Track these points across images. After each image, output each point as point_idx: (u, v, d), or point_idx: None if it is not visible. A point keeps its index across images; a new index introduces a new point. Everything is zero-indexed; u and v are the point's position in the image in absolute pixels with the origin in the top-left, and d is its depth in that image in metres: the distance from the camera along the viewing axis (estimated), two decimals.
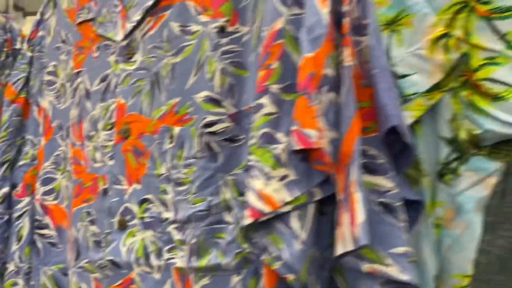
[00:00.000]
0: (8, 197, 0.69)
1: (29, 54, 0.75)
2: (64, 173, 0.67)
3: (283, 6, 0.42)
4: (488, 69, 0.40)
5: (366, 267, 0.39)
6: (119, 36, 0.60)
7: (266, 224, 0.40)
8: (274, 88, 0.41)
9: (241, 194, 0.46)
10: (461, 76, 0.41)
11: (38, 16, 0.76)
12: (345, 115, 0.38)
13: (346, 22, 0.39)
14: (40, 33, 0.75)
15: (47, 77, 0.72)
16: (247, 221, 0.39)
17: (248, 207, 0.39)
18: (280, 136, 0.40)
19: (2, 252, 0.68)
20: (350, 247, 0.37)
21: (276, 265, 0.38)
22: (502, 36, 0.39)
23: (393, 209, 0.40)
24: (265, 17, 0.43)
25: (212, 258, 0.47)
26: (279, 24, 0.41)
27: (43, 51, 0.73)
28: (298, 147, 0.37)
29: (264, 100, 0.41)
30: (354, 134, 0.37)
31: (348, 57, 0.38)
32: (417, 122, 0.43)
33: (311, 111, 0.37)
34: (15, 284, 0.66)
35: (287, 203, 0.39)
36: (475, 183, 0.41)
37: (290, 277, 0.38)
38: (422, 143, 0.44)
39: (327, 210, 0.42)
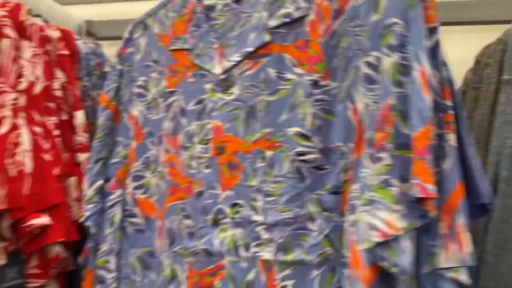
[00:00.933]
0: (102, 189, 0.83)
1: (119, 67, 0.87)
2: (154, 173, 0.80)
3: (393, 86, 0.56)
4: None
5: (449, 275, 0.55)
6: (217, 70, 0.73)
7: (383, 242, 0.54)
8: (389, 146, 0.55)
9: (324, 210, 0.61)
10: None
11: (126, 35, 0.88)
12: (453, 178, 0.54)
13: (451, 114, 0.55)
14: (129, 50, 0.87)
15: (137, 90, 0.84)
16: (378, 239, 0.53)
17: (376, 229, 0.53)
18: (394, 181, 0.54)
19: (95, 234, 0.81)
20: (455, 264, 0.53)
21: (395, 270, 0.53)
22: None
23: None
24: (378, 89, 0.57)
25: (296, 255, 0.62)
26: (391, 100, 0.55)
27: (133, 66, 0.86)
28: (420, 195, 0.52)
29: (384, 155, 0.55)
30: (459, 194, 0.54)
31: (453, 141, 0.55)
32: None
33: (429, 172, 0.52)
34: (107, 261, 0.80)
35: (401, 229, 0.53)
36: None
37: (405, 277, 0.54)
38: None
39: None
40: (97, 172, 0.82)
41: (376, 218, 0.53)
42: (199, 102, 0.75)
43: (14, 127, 0.75)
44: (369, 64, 0.58)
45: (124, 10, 1.27)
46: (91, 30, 1.22)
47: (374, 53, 0.57)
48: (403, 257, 0.52)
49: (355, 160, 0.58)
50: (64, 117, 0.84)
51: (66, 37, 0.89)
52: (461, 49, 0.93)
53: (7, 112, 0.74)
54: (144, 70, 0.84)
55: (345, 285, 0.56)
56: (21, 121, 0.76)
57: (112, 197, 0.82)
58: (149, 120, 0.82)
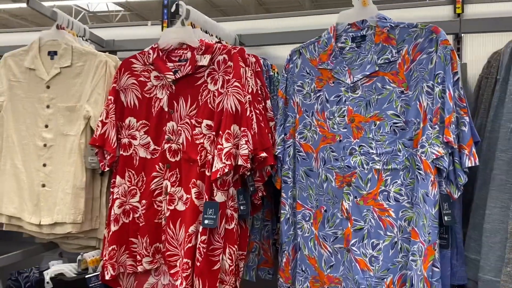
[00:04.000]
0: (283, 139, 1.58)
1: (285, 75, 1.59)
2: (309, 131, 1.55)
3: (439, 99, 1.27)
4: None
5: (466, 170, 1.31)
6: (348, 81, 1.45)
7: (436, 158, 1.28)
8: (438, 123, 1.27)
9: (405, 146, 1.35)
10: None
11: (288, 57, 1.60)
12: (469, 134, 1.27)
13: (466, 108, 1.29)
14: (291, 65, 1.58)
15: (297, 88, 1.57)
16: (435, 157, 1.28)
17: (434, 154, 1.26)
18: (440, 136, 1.26)
19: (280, 161, 1.57)
20: (473, 164, 1.28)
21: (443, 168, 1.26)
22: None
23: None
24: (433, 98, 1.30)
25: (392, 166, 1.37)
26: (439, 104, 1.27)
27: (293, 74, 1.58)
28: (447, 141, 1.27)
29: (436, 126, 1.26)
30: (471, 140, 1.28)
31: (467, 119, 1.28)
32: None
33: (450, 133, 1.25)
34: (288, 173, 1.54)
35: (443, 153, 1.26)
36: None
37: (446, 170, 1.26)
38: None
39: None
40: (280, 131, 1.57)
41: (434, 150, 1.28)
42: (337, 96, 1.48)
43: (250, 111, 1.48)
44: (428, 87, 1.31)
45: (263, 26, 1.97)
46: (241, 41, 1.92)
47: (431, 82, 1.30)
48: (445, 162, 1.27)
49: (422, 126, 1.32)
50: (263, 104, 1.57)
51: (257, 59, 1.59)
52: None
53: (247, 105, 1.48)
54: (301, 77, 1.56)
55: (421, 178, 1.31)
56: (251, 108, 1.49)
57: (288, 143, 1.56)
58: (305, 104, 1.55)
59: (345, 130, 1.45)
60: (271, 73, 1.71)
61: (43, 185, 1.75)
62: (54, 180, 1.74)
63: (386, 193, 1.38)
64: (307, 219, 1.53)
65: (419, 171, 1.31)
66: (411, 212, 1.34)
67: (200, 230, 1.46)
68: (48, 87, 1.79)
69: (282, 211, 1.56)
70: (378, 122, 1.40)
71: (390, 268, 1.35)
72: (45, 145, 1.77)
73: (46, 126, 1.78)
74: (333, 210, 1.47)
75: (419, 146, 1.32)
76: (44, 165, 1.76)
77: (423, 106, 1.33)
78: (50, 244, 1.90)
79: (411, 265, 1.30)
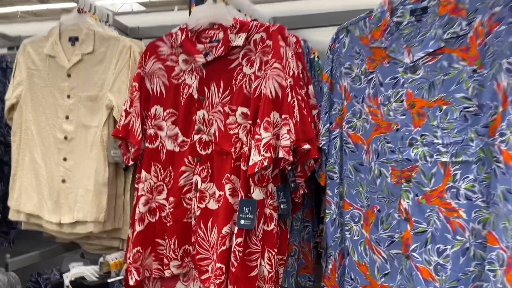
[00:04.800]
0: (328, 129, 1.38)
1: (330, 56, 1.39)
2: (358, 119, 1.34)
3: None
4: None
5: None
6: (407, 60, 1.24)
7: None
8: None
9: (479, 135, 1.13)
10: None
11: (334, 36, 1.39)
12: None
13: None
14: (337, 45, 1.38)
15: (344, 70, 1.36)
16: None
17: None
18: None
19: (326, 153, 1.37)
20: None
21: None
22: None
23: None
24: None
25: (463, 158, 1.16)
26: None
27: (340, 55, 1.37)
28: None
29: None
30: None
31: None
32: None
33: None
34: (334, 168, 1.33)
35: None
36: None
37: None
38: None
39: None
40: (325, 119, 1.37)
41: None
42: (394, 78, 1.27)
43: (291, 97, 1.28)
44: (509, 63, 1.09)
45: (300, 8, 1.77)
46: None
47: None
48: None
49: (502, 111, 1.10)
50: (305, 89, 1.37)
51: (298, 40, 1.39)
52: None
53: (288, 90, 1.28)
54: (349, 58, 1.35)
55: (500, 172, 1.09)
56: (293, 93, 1.29)
57: (334, 133, 1.36)
58: (353, 88, 1.34)
59: (404, 117, 1.24)
60: (311, 56, 1.52)
61: (64, 181, 1.60)
62: (75, 175, 1.59)
63: (455, 190, 1.16)
64: (356, 220, 1.32)
65: (497, 163, 1.09)
66: (487, 212, 1.12)
67: (235, 231, 1.27)
68: (69, 75, 1.64)
69: (327, 211, 1.36)
70: (444, 107, 1.19)
71: (461, 279, 1.13)
72: (65, 138, 1.62)
73: (67, 117, 1.62)
74: (389, 210, 1.26)
75: (497, 134, 1.10)
76: (65, 159, 1.61)
77: (502, 87, 1.10)
78: (71, 244, 1.74)
79: (488, 276, 1.08)
